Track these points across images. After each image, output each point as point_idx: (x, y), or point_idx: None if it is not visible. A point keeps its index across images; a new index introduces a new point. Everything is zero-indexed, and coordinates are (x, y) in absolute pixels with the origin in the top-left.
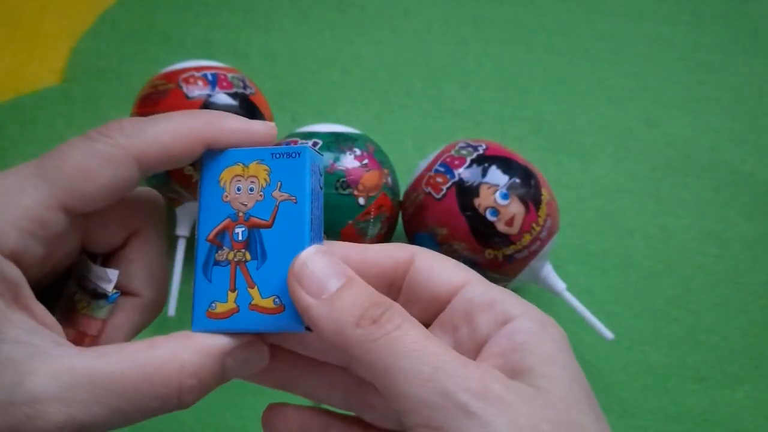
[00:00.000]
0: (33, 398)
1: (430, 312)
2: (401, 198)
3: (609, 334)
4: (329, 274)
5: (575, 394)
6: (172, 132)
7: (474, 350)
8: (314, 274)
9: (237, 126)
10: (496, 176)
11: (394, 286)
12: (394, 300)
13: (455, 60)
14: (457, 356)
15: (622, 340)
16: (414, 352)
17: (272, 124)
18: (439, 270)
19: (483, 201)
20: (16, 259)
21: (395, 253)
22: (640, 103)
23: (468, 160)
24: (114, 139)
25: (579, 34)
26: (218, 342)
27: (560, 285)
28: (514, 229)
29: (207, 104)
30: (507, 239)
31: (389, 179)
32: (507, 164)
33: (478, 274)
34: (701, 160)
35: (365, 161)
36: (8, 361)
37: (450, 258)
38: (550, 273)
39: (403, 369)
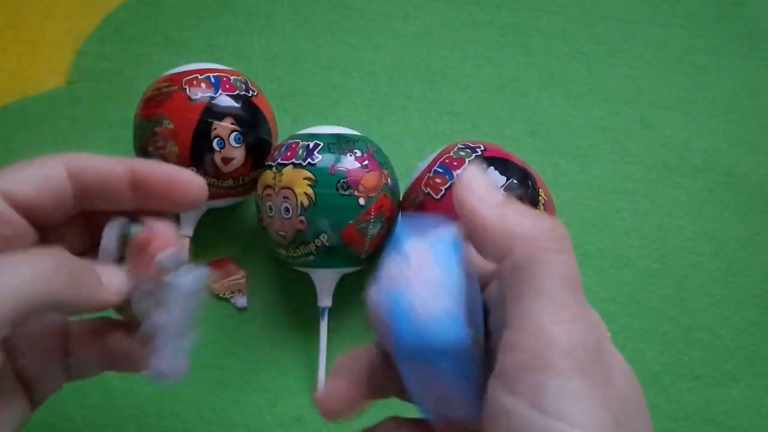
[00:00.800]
0: None
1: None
2: (401, 198)
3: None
4: (492, 189)
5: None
6: (103, 156)
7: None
8: (480, 186)
9: (164, 167)
10: (494, 177)
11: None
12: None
13: (454, 63)
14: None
15: (617, 338)
16: (552, 293)
17: (199, 178)
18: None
19: None
20: None
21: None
22: (636, 105)
23: (466, 161)
24: (49, 154)
25: (575, 38)
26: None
27: None
28: None
29: (210, 106)
30: None
31: (389, 180)
32: (505, 165)
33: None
34: (696, 161)
35: (365, 162)
36: None
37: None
38: None
39: (543, 307)
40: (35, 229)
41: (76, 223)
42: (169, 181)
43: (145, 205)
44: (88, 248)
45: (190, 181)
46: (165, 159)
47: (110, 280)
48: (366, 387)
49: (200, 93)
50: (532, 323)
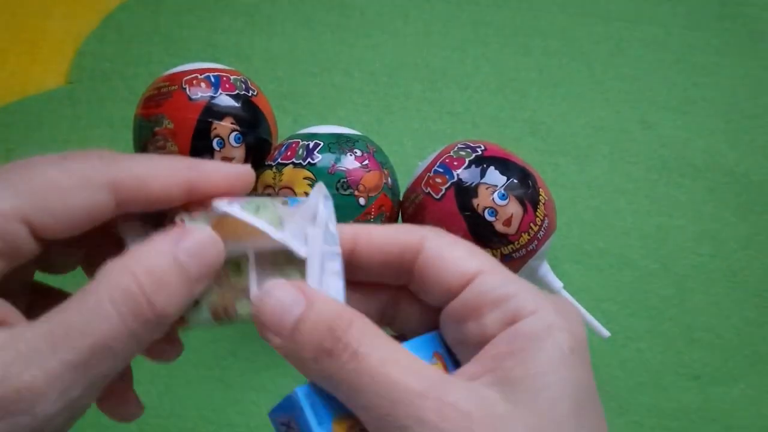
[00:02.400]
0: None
1: (442, 300)
2: (401, 198)
3: (605, 333)
4: (287, 304)
5: (559, 412)
6: (151, 167)
7: (478, 348)
8: (274, 306)
9: (219, 169)
10: (495, 177)
11: (402, 270)
12: (407, 284)
13: (454, 63)
14: (420, 382)
15: (618, 338)
16: (371, 388)
17: (248, 167)
18: (449, 258)
19: (481, 201)
20: None
21: (404, 236)
22: (636, 105)
23: (467, 161)
24: (92, 161)
25: (575, 37)
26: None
27: (557, 284)
28: (512, 229)
29: (210, 106)
30: (505, 239)
31: (389, 180)
32: (505, 165)
33: (495, 262)
34: (696, 160)
35: (366, 162)
36: None
37: (464, 242)
38: (547, 272)
39: (363, 406)
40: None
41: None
42: (228, 187)
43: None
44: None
45: (246, 178)
46: None
47: (200, 256)
48: None
49: (200, 93)
50: None
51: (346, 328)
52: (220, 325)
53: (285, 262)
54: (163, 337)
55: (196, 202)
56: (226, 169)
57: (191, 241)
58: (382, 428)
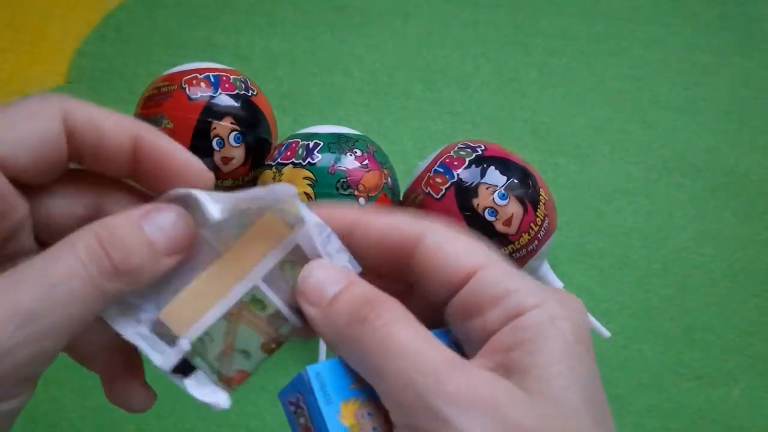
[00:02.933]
0: None
1: (443, 296)
2: (401, 198)
3: (606, 333)
4: (328, 282)
5: (572, 400)
6: (105, 110)
7: (482, 344)
8: (315, 284)
9: (175, 146)
10: (495, 177)
11: (400, 262)
12: (408, 278)
13: (454, 63)
14: (444, 358)
15: (618, 338)
16: (398, 354)
17: (209, 173)
18: (448, 252)
19: (481, 201)
20: None
21: (404, 228)
22: (637, 105)
23: (467, 160)
24: (46, 97)
25: (576, 37)
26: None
27: (557, 284)
28: (512, 229)
29: (209, 106)
30: (505, 239)
31: (389, 180)
32: (505, 165)
33: (496, 256)
34: (697, 161)
35: (366, 162)
36: None
37: (466, 235)
38: (547, 272)
39: (388, 371)
40: (22, 190)
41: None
42: (174, 162)
43: (137, 179)
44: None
45: (197, 170)
46: None
47: (169, 231)
48: None
49: (200, 92)
50: None
51: (381, 302)
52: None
53: (291, 269)
54: (135, 384)
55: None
56: (183, 150)
57: (160, 216)
58: (401, 398)
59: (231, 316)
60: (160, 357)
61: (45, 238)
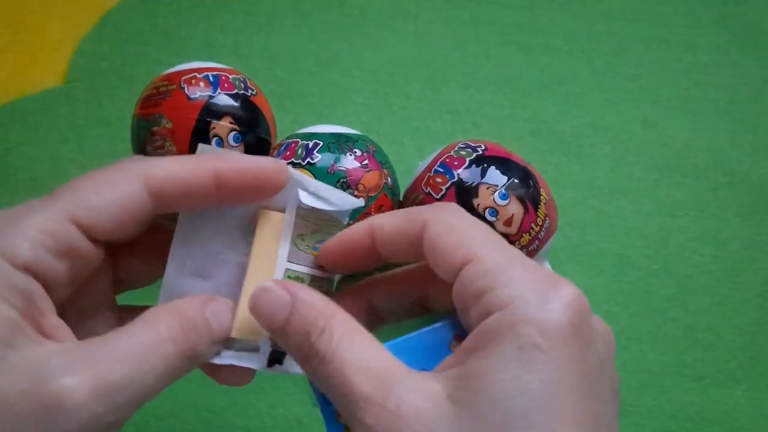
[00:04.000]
0: (58, 385)
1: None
2: (401, 198)
3: None
4: (275, 309)
5: (499, 414)
6: (180, 159)
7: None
8: (263, 312)
9: (246, 160)
10: (495, 177)
11: (418, 254)
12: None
13: (454, 62)
14: (372, 382)
15: (619, 338)
16: (334, 388)
17: (282, 163)
18: (442, 247)
19: (482, 201)
20: (30, 271)
21: (408, 227)
22: (638, 105)
23: (467, 160)
24: (124, 163)
25: (577, 36)
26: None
27: None
28: (512, 229)
29: (208, 105)
30: (506, 239)
31: (389, 180)
32: (506, 165)
33: (487, 245)
34: (698, 160)
35: (365, 162)
36: (19, 365)
37: (462, 223)
38: None
39: (336, 404)
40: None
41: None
42: (257, 177)
43: (231, 201)
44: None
45: (276, 171)
46: None
47: (222, 324)
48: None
49: (199, 92)
50: None
51: (319, 332)
52: None
53: (303, 240)
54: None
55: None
56: (256, 161)
57: (216, 305)
58: (350, 421)
59: None
60: (254, 363)
61: (121, 289)
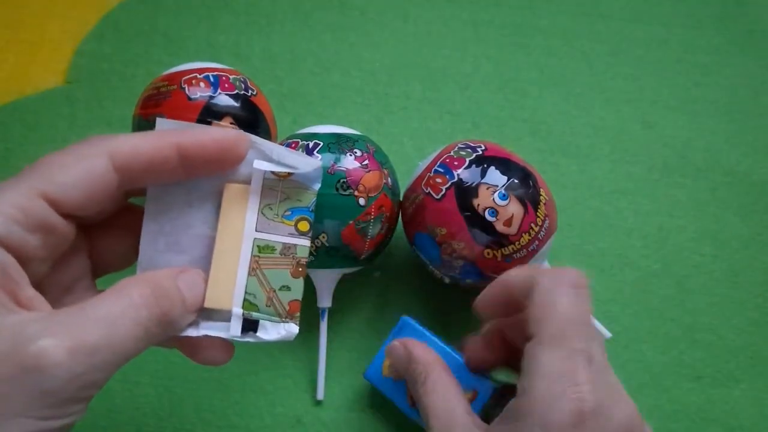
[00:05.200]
0: (37, 347)
1: None
2: (401, 198)
3: (606, 333)
4: (399, 359)
5: None
6: (144, 134)
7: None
8: (394, 359)
9: (207, 133)
10: (495, 177)
11: (518, 310)
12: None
13: (454, 62)
14: (441, 420)
15: (619, 338)
16: (423, 415)
17: (242, 133)
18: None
19: (482, 201)
20: (3, 244)
21: (519, 285)
22: (637, 105)
23: (467, 160)
24: (89, 140)
25: (576, 37)
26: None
27: None
28: (512, 230)
29: (209, 105)
30: (506, 239)
31: (389, 180)
32: (505, 165)
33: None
34: (697, 160)
35: (365, 162)
36: None
37: (566, 293)
38: None
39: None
40: (75, 224)
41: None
42: (218, 149)
43: (195, 174)
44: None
45: (236, 141)
46: None
47: (195, 293)
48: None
49: (199, 92)
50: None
51: (423, 380)
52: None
53: (270, 209)
54: (217, 343)
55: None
56: (217, 133)
57: (189, 276)
58: None
59: (254, 271)
60: (227, 331)
61: (100, 272)
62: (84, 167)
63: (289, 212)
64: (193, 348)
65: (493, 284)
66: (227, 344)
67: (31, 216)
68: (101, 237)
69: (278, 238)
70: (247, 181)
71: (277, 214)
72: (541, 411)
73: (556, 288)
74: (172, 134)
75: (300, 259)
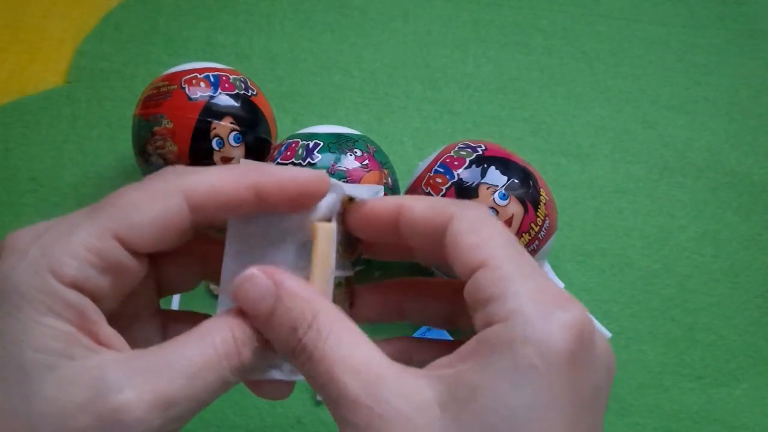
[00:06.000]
0: (117, 400)
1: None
2: None
3: (606, 333)
4: (260, 298)
5: (484, 428)
6: (221, 172)
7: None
8: (248, 300)
9: (287, 173)
10: (495, 177)
11: (439, 246)
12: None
13: (454, 62)
14: (360, 381)
15: (619, 338)
16: (322, 386)
17: (323, 173)
18: (463, 245)
19: (482, 201)
20: (79, 287)
21: (438, 210)
22: (637, 105)
23: (467, 160)
24: (164, 177)
25: (576, 37)
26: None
27: (558, 284)
28: (512, 229)
29: (209, 105)
30: None
31: (389, 180)
32: (506, 165)
33: (507, 249)
34: (698, 160)
35: (366, 162)
36: (83, 376)
37: (488, 223)
38: (548, 272)
39: (323, 399)
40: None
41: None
42: (298, 190)
43: (271, 210)
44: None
45: (317, 183)
46: (164, 158)
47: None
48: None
49: (199, 92)
50: None
51: (306, 328)
52: None
53: (340, 245)
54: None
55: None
56: (299, 173)
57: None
58: (342, 399)
59: None
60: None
61: (164, 294)
62: (158, 208)
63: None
64: (254, 384)
65: (384, 208)
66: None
67: (105, 258)
68: (167, 264)
69: (342, 273)
70: (325, 219)
71: (338, 250)
72: (533, 336)
73: (485, 218)
74: (251, 172)
75: (353, 289)
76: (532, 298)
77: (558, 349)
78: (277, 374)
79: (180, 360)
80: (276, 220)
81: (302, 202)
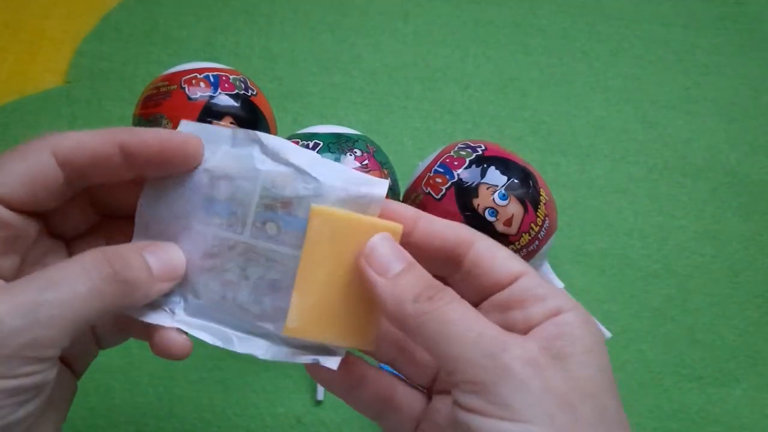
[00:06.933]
0: None
1: (484, 293)
2: (401, 198)
3: (606, 333)
4: (393, 258)
5: (604, 380)
6: (92, 131)
7: (523, 332)
8: (381, 257)
9: (152, 133)
10: (495, 177)
11: (451, 261)
12: (451, 274)
13: (454, 62)
14: (499, 328)
15: (619, 338)
16: (461, 320)
17: (194, 136)
18: (499, 257)
19: (482, 201)
20: None
21: (459, 231)
22: (637, 105)
23: (467, 160)
24: (37, 138)
25: (576, 37)
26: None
27: (558, 284)
28: (512, 229)
29: (209, 105)
30: (506, 239)
31: (389, 180)
32: (505, 165)
33: (532, 268)
34: (697, 160)
35: (366, 162)
36: None
37: (505, 247)
38: (548, 272)
39: (452, 334)
40: (34, 216)
41: (77, 198)
42: (162, 148)
43: (143, 172)
44: (96, 220)
45: (184, 142)
46: None
47: (165, 262)
48: None
49: (199, 92)
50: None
51: (441, 287)
52: None
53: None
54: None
55: None
56: (164, 134)
57: (161, 250)
58: (468, 357)
59: None
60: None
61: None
62: (27, 163)
63: None
64: (150, 336)
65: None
66: (185, 337)
67: None
68: (82, 247)
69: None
70: (331, 203)
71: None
72: (581, 334)
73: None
74: (118, 132)
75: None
76: (568, 296)
77: (594, 339)
78: (166, 319)
79: (44, 275)
80: (191, 176)
81: (171, 164)
